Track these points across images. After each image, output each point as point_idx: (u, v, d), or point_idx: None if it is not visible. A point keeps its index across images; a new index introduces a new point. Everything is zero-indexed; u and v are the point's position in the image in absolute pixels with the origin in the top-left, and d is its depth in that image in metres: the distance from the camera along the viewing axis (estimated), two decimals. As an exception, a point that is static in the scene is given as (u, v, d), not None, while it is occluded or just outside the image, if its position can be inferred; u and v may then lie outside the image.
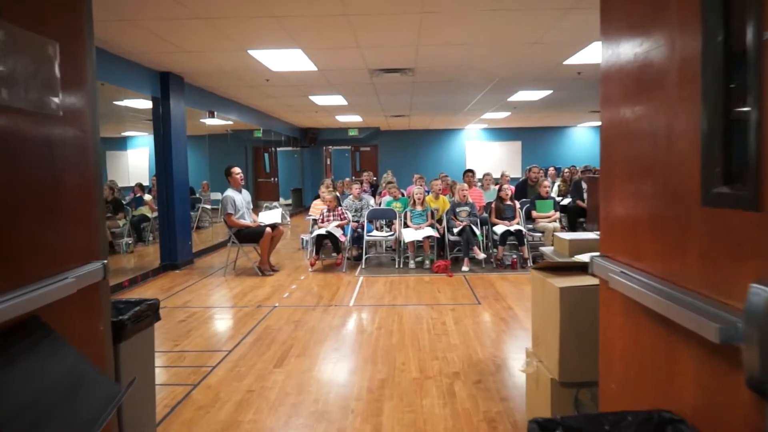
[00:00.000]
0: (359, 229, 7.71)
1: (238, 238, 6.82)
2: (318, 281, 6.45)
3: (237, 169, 6.90)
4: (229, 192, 6.80)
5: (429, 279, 6.42)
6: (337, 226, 7.15)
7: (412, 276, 6.60)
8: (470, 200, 7.19)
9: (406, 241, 6.83)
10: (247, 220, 6.93)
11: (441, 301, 5.37)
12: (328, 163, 19.16)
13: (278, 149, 17.77)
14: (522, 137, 17.73)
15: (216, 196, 11.03)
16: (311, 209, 8.35)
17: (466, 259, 6.81)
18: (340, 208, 7.42)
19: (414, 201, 7.23)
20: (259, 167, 18.47)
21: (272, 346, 4.13)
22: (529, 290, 5.92)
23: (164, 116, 7.22)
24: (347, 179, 11.69)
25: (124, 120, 11.37)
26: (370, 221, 7.64)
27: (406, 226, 7.28)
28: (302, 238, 9.02)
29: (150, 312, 2.53)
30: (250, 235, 6.81)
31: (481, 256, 6.69)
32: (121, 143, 13.11)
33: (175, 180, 7.32)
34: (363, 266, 7.14)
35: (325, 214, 7.28)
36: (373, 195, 10.29)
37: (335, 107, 11.26)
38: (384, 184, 11.19)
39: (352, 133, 16.88)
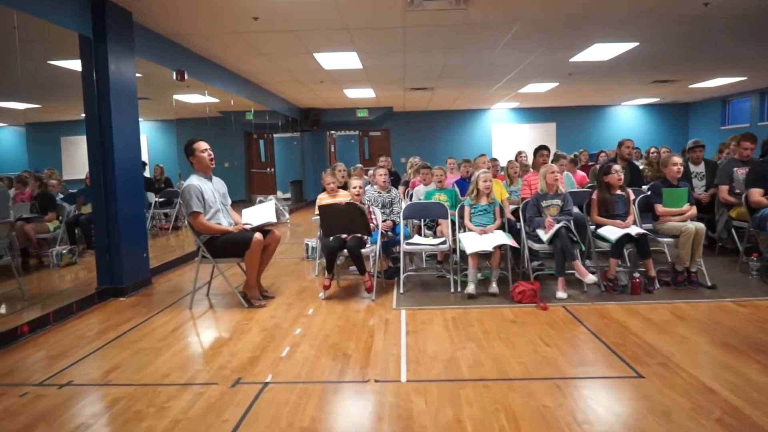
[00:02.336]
0: (390, 232, 5.35)
1: (211, 251, 4.42)
2: (336, 319, 4.07)
3: (203, 145, 4.49)
4: (194, 180, 4.40)
5: (512, 314, 4.05)
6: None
7: (483, 308, 4.22)
8: (562, 189, 4.79)
9: (470, 251, 4.43)
10: (224, 222, 4.53)
11: (566, 370, 2.98)
12: (332, 150, 16.74)
13: (275, 135, 15.33)
14: (557, 118, 15.32)
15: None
16: (317, 206, 5.94)
17: (561, 280, 4.42)
18: (366, 204, 5.01)
19: (477, 190, 4.83)
20: (252, 156, 16.00)
21: None
22: (703, 341, 3.33)
23: (99, 66, 4.81)
24: (358, 166, 9.26)
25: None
26: (405, 222, 5.25)
27: (461, 228, 4.91)
28: (307, 244, 6.64)
29: None
30: (229, 246, 4.41)
31: (591, 278, 4.29)
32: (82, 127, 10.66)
33: (118, 164, 4.91)
34: (401, 290, 4.75)
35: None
36: (394, 186, 7.90)
37: (346, 73, 8.83)
38: (409, 171, 8.82)
39: (362, 114, 14.45)
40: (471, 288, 4.51)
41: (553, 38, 6.69)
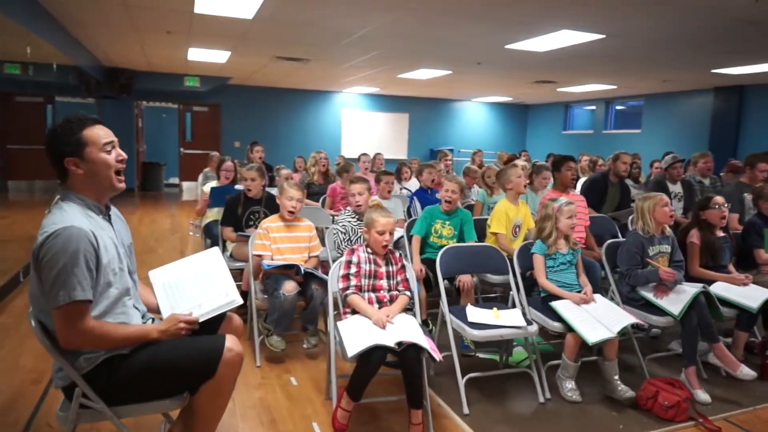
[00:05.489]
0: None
1: (108, 390, 1.78)
2: None
3: (104, 134, 1.79)
4: (76, 219, 1.68)
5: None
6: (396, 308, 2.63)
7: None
8: (668, 231, 3.31)
9: (593, 341, 2.66)
10: (134, 317, 1.92)
11: None
12: (140, 125, 12.93)
13: (58, 99, 10.92)
14: (410, 108, 14.26)
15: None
16: (258, 238, 3.42)
17: (692, 371, 2.97)
18: (391, 251, 2.78)
19: (556, 230, 3.06)
20: (11, 132, 10.96)
21: None
22: None
23: None
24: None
25: None
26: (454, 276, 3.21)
27: (528, 284, 3.12)
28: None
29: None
30: (160, 378, 1.84)
31: (748, 372, 2.89)
32: None
33: None
34: (464, 409, 2.72)
35: (357, 267, 2.60)
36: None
37: (219, 23, 6.06)
38: (313, 170, 6.49)
39: (191, 83, 11.21)
40: (574, 392, 2.79)
41: (524, 12, 5.18)
